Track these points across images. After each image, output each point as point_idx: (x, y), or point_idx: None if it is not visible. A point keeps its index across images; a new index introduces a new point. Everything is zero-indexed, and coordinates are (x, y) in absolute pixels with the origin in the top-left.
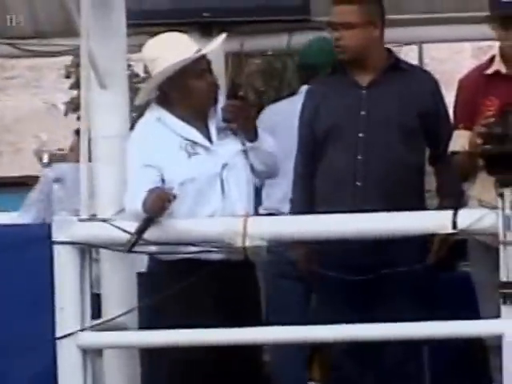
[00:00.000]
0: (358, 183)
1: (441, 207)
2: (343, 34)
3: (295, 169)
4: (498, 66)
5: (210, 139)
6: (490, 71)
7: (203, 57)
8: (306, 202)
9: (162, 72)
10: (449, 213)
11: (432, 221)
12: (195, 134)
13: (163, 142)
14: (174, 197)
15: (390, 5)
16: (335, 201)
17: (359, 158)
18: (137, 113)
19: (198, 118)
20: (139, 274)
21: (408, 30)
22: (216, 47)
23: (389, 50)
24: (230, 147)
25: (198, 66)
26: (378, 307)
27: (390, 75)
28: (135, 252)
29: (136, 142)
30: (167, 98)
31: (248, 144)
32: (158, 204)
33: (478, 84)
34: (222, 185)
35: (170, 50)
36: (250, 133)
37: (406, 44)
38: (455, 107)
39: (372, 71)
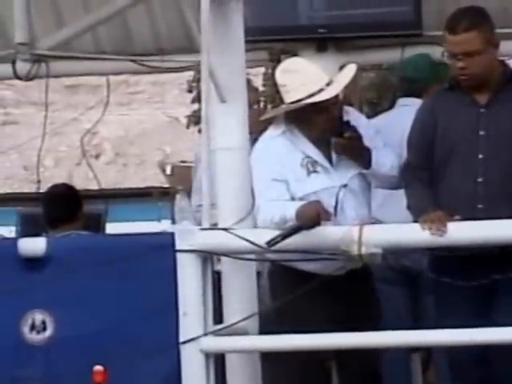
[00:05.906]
0: (479, 206)
1: None
2: (468, 63)
3: (406, 176)
4: None
5: (330, 160)
6: None
7: None
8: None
9: (289, 107)
10: None
11: None
12: (317, 153)
13: (287, 157)
14: (329, 218)
15: (495, 18)
16: None
17: (479, 180)
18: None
19: (321, 137)
20: (259, 273)
21: None
22: (348, 81)
23: (502, 62)
24: (350, 169)
25: (324, 102)
26: (496, 312)
27: (508, 91)
28: (251, 259)
29: (263, 155)
30: (294, 115)
31: (364, 171)
32: (313, 217)
33: None
34: (336, 206)
35: (300, 82)
36: (363, 162)
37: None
38: None
39: (490, 88)
